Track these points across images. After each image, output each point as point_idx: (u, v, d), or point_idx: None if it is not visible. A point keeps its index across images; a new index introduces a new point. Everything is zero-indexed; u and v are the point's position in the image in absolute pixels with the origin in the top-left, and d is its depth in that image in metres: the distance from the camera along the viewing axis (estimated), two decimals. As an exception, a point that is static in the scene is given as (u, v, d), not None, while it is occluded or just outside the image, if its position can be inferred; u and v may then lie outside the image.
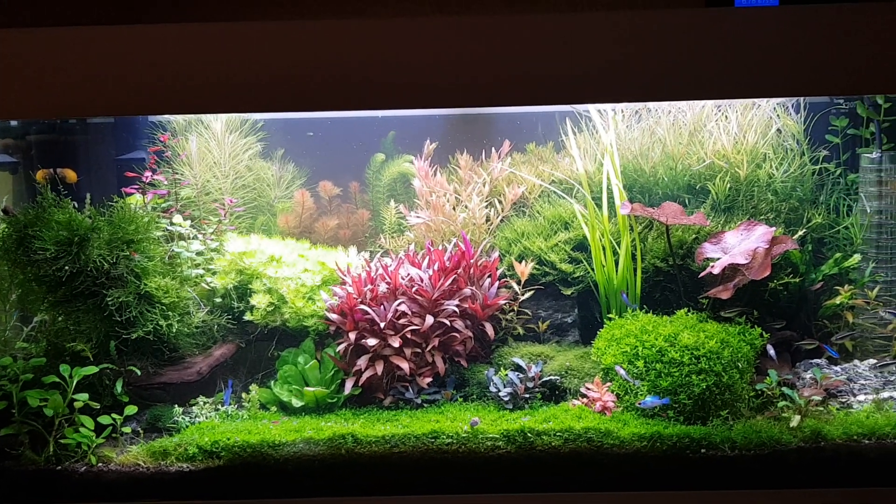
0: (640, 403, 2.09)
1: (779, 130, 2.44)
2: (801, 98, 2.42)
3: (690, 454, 2.03)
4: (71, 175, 2.43)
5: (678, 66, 1.91)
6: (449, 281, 2.30)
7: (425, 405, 2.25)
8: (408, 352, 2.25)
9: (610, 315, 2.36)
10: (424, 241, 2.48)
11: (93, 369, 2.07)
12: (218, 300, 2.37)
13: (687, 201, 2.46)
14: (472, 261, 2.38)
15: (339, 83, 1.90)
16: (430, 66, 1.89)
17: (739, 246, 2.20)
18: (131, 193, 2.38)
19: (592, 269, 2.41)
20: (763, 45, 1.92)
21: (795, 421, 2.06)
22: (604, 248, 2.37)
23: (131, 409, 2.11)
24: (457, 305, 2.30)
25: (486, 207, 2.54)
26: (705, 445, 2.03)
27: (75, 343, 2.10)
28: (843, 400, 2.20)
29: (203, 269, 2.36)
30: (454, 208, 2.53)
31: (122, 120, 2.60)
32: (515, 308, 2.42)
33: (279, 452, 2.04)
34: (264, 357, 2.40)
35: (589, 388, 2.20)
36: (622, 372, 2.13)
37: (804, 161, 2.43)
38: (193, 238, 2.38)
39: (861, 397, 2.19)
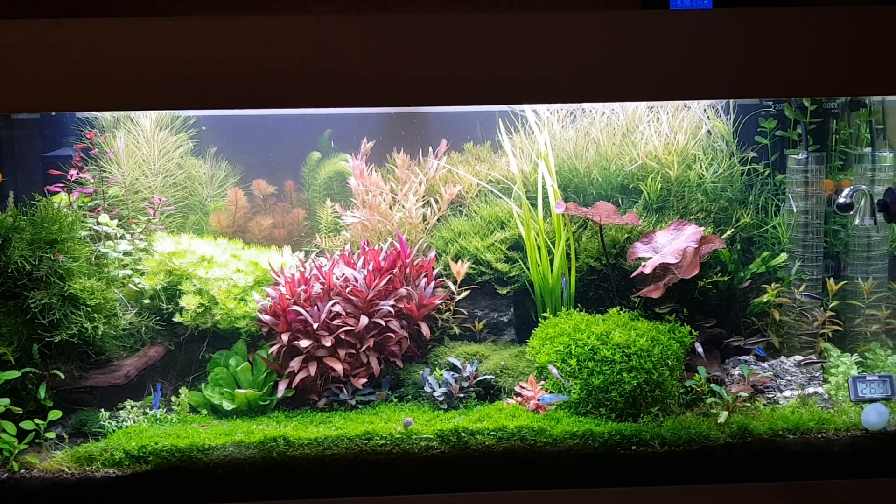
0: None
1: (709, 132, 2.49)
2: (731, 100, 2.47)
3: (622, 451, 2.05)
4: None
5: (613, 67, 1.93)
6: (384, 281, 2.29)
7: (360, 406, 2.23)
8: (342, 353, 2.23)
9: (545, 314, 2.37)
10: (360, 241, 2.46)
11: (14, 373, 2.01)
12: (146, 301, 2.32)
13: (620, 201, 2.48)
14: (407, 260, 2.37)
15: (273, 81, 1.88)
16: (367, 65, 1.89)
17: (669, 245, 2.23)
18: (56, 192, 2.32)
19: (528, 269, 2.42)
20: (697, 47, 1.95)
21: (723, 417, 2.10)
22: (539, 248, 2.38)
23: (55, 414, 2.06)
24: (392, 306, 2.28)
25: (423, 207, 2.53)
26: (636, 442, 2.06)
27: (-4, 347, 2.05)
28: (771, 396, 2.25)
29: (131, 269, 2.31)
30: (391, 207, 2.52)
31: (47, 116, 2.53)
32: (451, 308, 2.42)
33: (209, 456, 2.01)
34: (195, 359, 2.35)
35: (523, 387, 2.21)
36: (554, 371, 2.14)
37: (733, 162, 2.48)
38: (121, 238, 2.33)
39: (787, 393, 2.24)
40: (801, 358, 2.31)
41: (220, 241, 2.44)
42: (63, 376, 2.10)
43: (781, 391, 2.25)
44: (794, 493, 2.05)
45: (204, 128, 2.55)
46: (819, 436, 2.09)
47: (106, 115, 2.47)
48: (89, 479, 1.98)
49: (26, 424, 2.02)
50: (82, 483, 1.98)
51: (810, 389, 2.24)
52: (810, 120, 2.43)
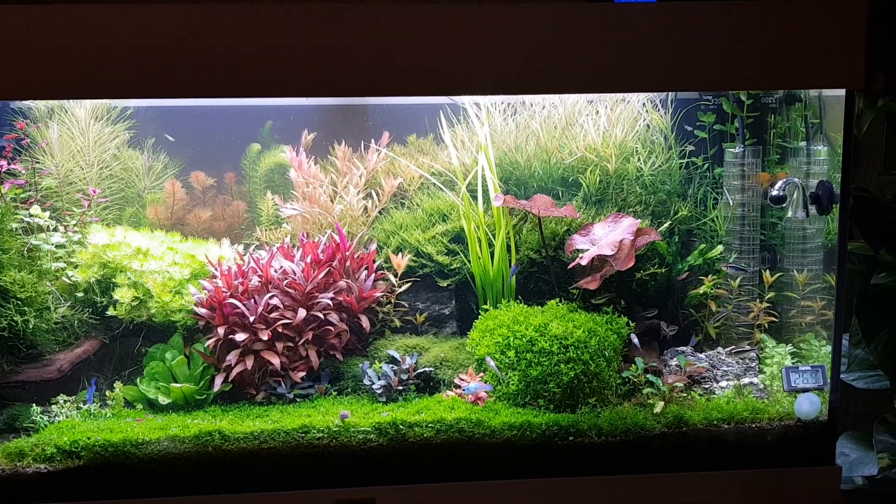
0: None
1: (647, 126, 2.51)
2: (669, 94, 2.49)
3: (559, 441, 2.07)
4: None
5: (556, 59, 1.94)
6: (323, 273, 2.27)
7: (298, 400, 2.22)
8: (280, 346, 2.21)
9: (485, 306, 2.37)
10: (300, 234, 2.44)
11: (-61, 369, 1.97)
12: (80, 295, 2.27)
13: (560, 194, 2.49)
14: (347, 253, 2.36)
15: (208, 69, 1.86)
16: (307, 54, 1.88)
17: (606, 238, 2.25)
18: (-14, 184, 2.26)
19: (469, 261, 2.42)
20: (640, 40, 1.97)
21: (659, 407, 2.12)
22: (480, 240, 2.39)
23: (-17, 411, 2.02)
24: (331, 298, 2.27)
25: (364, 199, 2.51)
26: (573, 433, 2.07)
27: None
28: (707, 386, 2.28)
29: (64, 262, 2.26)
30: (331, 200, 2.50)
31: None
32: (392, 300, 2.41)
33: (143, 451, 1.98)
34: (130, 354, 2.31)
35: (462, 379, 2.21)
36: (492, 363, 2.15)
37: (672, 155, 2.50)
38: (54, 230, 2.28)
39: (723, 383, 2.27)
40: (734, 347, 2.34)
41: (157, 234, 2.40)
42: (-7, 369, 2.06)
43: (717, 381, 2.28)
44: (728, 482, 2.09)
45: (136, 122, 2.51)
46: (753, 425, 2.12)
47: (39, 105, 2.41)
48: (20, 475, 1.94)
49: (-48, 421, 1.98)
50: (13, 478, 1.94)
51: (745, 380, 2.27)
52: (747, 114, 2.46)
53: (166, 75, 1.85)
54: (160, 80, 1.86)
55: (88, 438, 1.97)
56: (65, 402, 2.14)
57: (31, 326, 2.10)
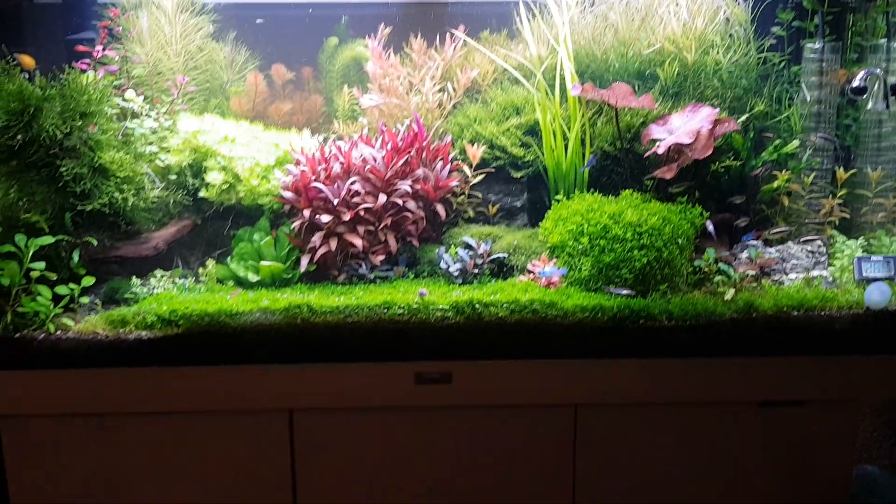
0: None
1: (727, 19, 2.49)
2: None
3: (630, 325, 2.13)
4: (28, 62, 2.39)
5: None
6: (402, 161, 2.34)
7: (378, 281, 2.32)
8: (361, 229, 2.30)
9: (558, 197, 2.43)
10: (378, 126, 2.51)
11: (49, 239, 2.09)
12: (172, 177, 2.38)
13: (637, 87, 2.51)
14: (424, 143, 2.42)
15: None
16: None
17: (684, 126, 2.27)
18: (83, 70, 2.36)
19: (542, 154, 2.47)
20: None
21: (730, 294, 2.17)
22: (554, 133, 2.43)
23: (88, 280, 2.14)
24: (409, 186, 2.35)
25: (439, 92, 2.56)
26: (644, 316, 2.13)
27: (30, 215, 2.12)
28: (776, 278, 2.32)
29: (157, 146, 2.37)
30: (407, 93, 2.56)
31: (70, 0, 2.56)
32: (466, 191, 2.48)
33: (236, 321, 2.10)
34: (220, 235, 2.43)
35: (535, 264, 2.29)
36: (552, 270, 2.21)
37: (750, 50, 2.49)
38: (146, 116, 2.38)
39: (792, 276, 2.31)
40: (804, 237, 2.36)
41: (242, 123, 2.49)
42: (95, 243, 2.18)
43: (787, 274, 2.32)
44: (795, 367, 2.15)
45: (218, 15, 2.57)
46: (822, 313, 2.16)
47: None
48: (122, 341, 2.08)
49: (61, 289, 2.11)
50: (116, 344, 2.08)
51: (815, 272, 2.30)
52: (827, 9, 2.43)
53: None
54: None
55: (186, 308, 2.09)
56: (161, 276, 2.27)
57: (129, 205, 2.22)
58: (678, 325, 2.14)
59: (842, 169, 2.43)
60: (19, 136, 2.06)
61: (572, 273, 2.22)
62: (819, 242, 2.36)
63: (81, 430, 2.14)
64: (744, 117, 2.44)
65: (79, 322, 2.11)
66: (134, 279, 2.24)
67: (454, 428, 2.18)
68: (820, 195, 2.44)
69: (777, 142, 2.42)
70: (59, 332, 2.07)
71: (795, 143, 2.40)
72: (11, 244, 2.06)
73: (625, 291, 2.14)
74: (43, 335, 2.07)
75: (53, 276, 2.10)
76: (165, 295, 2.20)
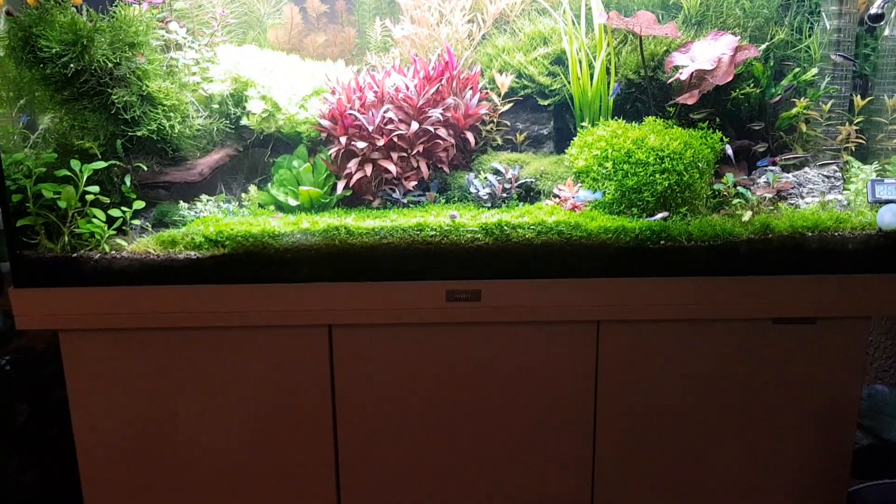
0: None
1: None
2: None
3: (651, 245, 2.24)
4: None
5: None
6: (433, 90, 2.44)
7: (411, 205, 2.44)
8: (394, 156, 2.41)
9: (583, 124, 2.52)
10: (409, 57, 2.60)
11: (102, 164, 2.22)
12: (215, 106, 2.50)
13: (660, 16, 2.57)
14: (455, 72, 2.51)
15: None
16: None
17: (706, 54, 2.35)
18: (130, 3, 2.45)
19: (569, 83, 2.55)
20: None
21: (747, 216, 2.27)
22: (580, 62, 2.51)
23: (139, 204, 2.28)
24: (440, 114, 2.44)
25: (469, 23, 2.64)
26: (664, 238, 2.24)
27: (83, 141, 2.25)
28: (793, 202, 2.41)
29: (199, 76, 2.47)
30: (438, 24, 2.64)
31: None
32: (495, 119, 2.58)
33: (278, 242, 2.23)
34: (260, 163, 2.55)
35: (561, 189, 2.39)
36: (586, 195, 2.31)
37: (771, -23, 2.55)
38: (189, 47, 2.48)
39: (808, 199, 2.40)
40: (820, 162, 2.45)
41: (279, 54, 2.59)
42: (145, 168, 2.31)
43: (803, 197, 2.41)
44: (809, 285, 2.25)
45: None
46: (836, 234, 2.26)
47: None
48: (173, 260, 2.22)
49: (114, 212, 2.25)
50: (166, 263, 2.22)
51: (830, 196, 2.39)
52: (850, -63, 2.47)
53: None
54: None
55: (231, 229, 2.22)
56: (207, 200, 2.40)
57: (175, 132, 2.33)
58: (697, 246, 2.24)
59: (859, 96, 2.50)
60: (72, 66, 2.18)
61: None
62: (835, 167, 2.45)
63: (134, 344, 2.30)
64: (764, 46, 2.50)
65: (131, 243, 2.25)
66: (181, 203, 2.37)
67: (483, 343, 2.32)
68: (837, 122, 2.51)
69: (796, 70, 2.49)
70: (113, 252, 2.22)
71: (814, 70, 2.47)
72: (67, 169, 2.19)
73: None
74: (98, 255, 2.22)
75: (107, 200, 2.24)
76: (211, 218, 2.33)
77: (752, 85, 2.47)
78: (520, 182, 2.43)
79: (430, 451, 2.39)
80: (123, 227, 2.27)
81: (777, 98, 2.49)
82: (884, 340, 3.76)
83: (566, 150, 2.48)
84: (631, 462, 2.41)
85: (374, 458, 2.39)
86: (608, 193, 2.30)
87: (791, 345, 2.32)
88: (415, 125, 2.41)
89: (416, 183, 2.45)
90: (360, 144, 2.37)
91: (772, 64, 2.52)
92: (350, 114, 2.40)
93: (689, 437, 2.39)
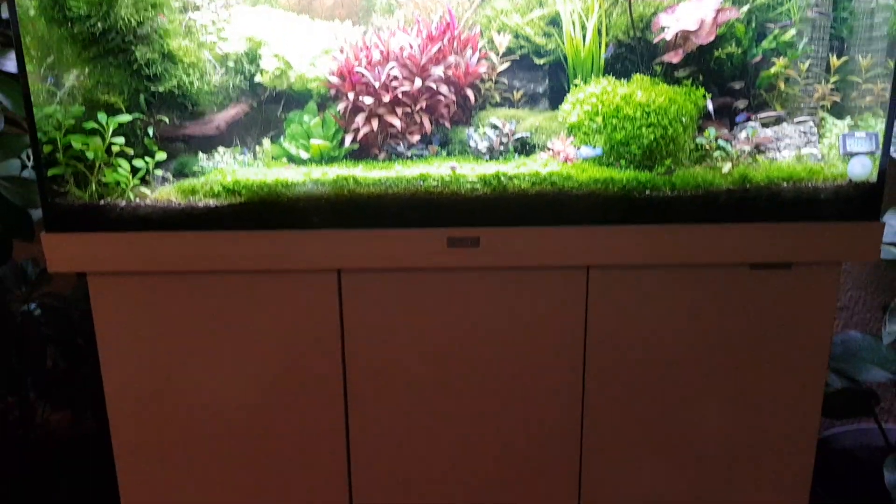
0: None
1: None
2: None
3: (637, 195, 2.41)
4: None
5: None
6: (435, 48, 2.59)
7: (414, 158, 2.60)
8: (399, 111, 2.57)
9: (576, 82, 2.68)
10: (413, 18, 2.75)
11: (126, 117, 2.38)
12: (231, 64, 2.65)
13: (649, -19, 2.73)
14: (456, 33, 2.67)
15: None
16: None
17: (691, 14, 2.50)
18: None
19: (563, 43, 2.70)
20: None
21: (727, 168, 2.44)
22: (574, 24, 2.66)
23: (161, 155, 2.44)
24: (442, 71, 2.60)
25: (469, -14, 2.79)
26: (650, 187, 2.41)
27: (108, 96, 2.40)
28: (771, 156, 2.58)
29: (216, 36, 2.62)
30: (439, -13, 2.79)
31: None
32: (493, 77, 2.73)
33: (291, 191, 2.40)
34: (273, 118, 2.71)
35: (554, 142, 2.56)
36: (588, 151, 2.47)
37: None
38: (205, 8, 2.63)
39: (785, 153, 2.57)
40: (798, 119, 2.62)
41: (290, 14, 2.74)
42: (168, 121, 2.48)
43: (780, 151, 2.58)
44: (784, 232, 2.42)
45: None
46: (809, 184, 2.43)
47: None
48: (193, 208, 2.39)
49: (137, 162, 2.41)
50: (187, 210, 2.39)
51: (805, 150, 2.56)
52: None
53: None
54: None
55: (248, 179, 2.39)
56: (223, 153, 2.56)
57: (195, 88, 2.49)
58: (680, 196, 2.42)
59: (835, 57, 2.65)
60: (98, 25, 2.33)
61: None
62: (811, 123, 2.61)
63: (157, 287, 2.47)
64: (746, 7, 2.66)
65: (154, 191, 2.42)
66: (200, 154, 2.53)
67: (481, 287, 2.50)
68: (814, 81, 2.67)
69: (776, 31, 2.65)
70: (137, 200, 2.38)
71: (792, 31, 2.63)
72: (95, 121, 2.35)
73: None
74: (124, 203, 2.39)
75: (131, 151, 2.40)
76: (228, 168, 2.50)
77: (734, 45, 2.63)
78: (516, 136, 2.60)
79: (431, 384, 2.58)
80: (146, 177, 2.44)
81: (758, 58, 2.64)
82: (863, 295, 3.95)
83: (559, 107, 2.65)
84: (616, 394, 2.60)
85: (379, 387, 2.58)
86: (597, 146, 2.47)
87: (767, 289, 2.51)
88: (418, 82, 2.57)
89: (419, 137, 2.61)
90: (367, 100, 2.53)
91: (754, 26, 2.67)
92: (357, 71, 2.55)
93: (670, 374, 2.58)
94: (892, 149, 2.52)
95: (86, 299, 2.55)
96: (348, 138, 2.58)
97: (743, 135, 2.58)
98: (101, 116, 2.35)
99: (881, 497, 2.99)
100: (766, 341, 2.56)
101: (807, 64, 2.66)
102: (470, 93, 2.67)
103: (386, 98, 2.54)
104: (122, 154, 2.39)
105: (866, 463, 3.30)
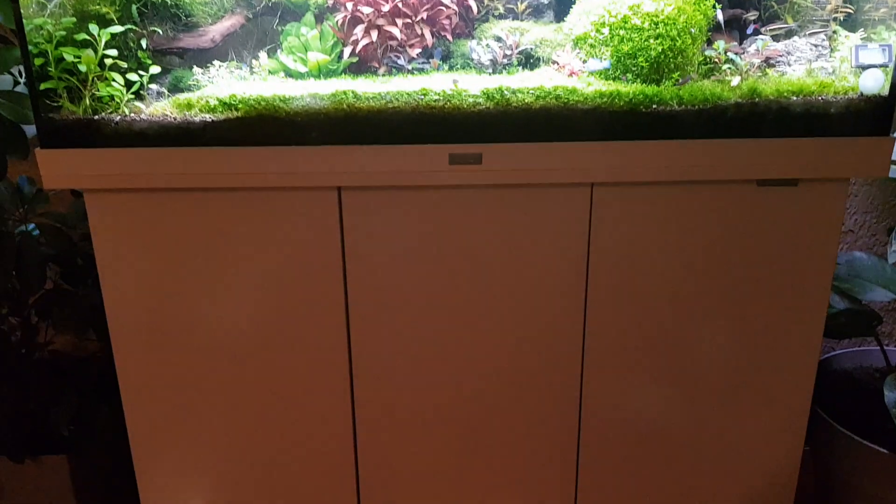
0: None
1: None
2: None
3: (644, 109, 2.36)
4: None
5: None
6: (436, -43, 2.51)
7: (415, 72, 2.54)
8: (399, 22, 2.50)
9: (582, -7, 2.60)
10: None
11: (119, 28, 2.31)
12: (224, -28, 2.57)
13: None
14: (457, -59, 2.58)
15: None
16: None
17: (701, -80, 2.41)
18: None
19: (568, -48, 2.61)
20: None
21: (736, 80, 2.38)
22: (579, -69, 2.56)
23: (155, 68, 2.38)
24: (443, -18, 2.52)
25: None
26: (657, 101, 2.35)
27: (99, 6, 2.33)
28: (781, 70, 2.51)
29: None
30: None
31: None
32: (496, -12, 2.65)
33: (289, 105, 2.34)
34: (269, 30, 2.64)
35: (559, 55, 2.49)
36: (596, 64, 2.40)
37: None
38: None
39: (795, 67, 2.50)
40: (810, 32, 2.54)
41: (285, -77, 2.65)
42: (161, 32, 2.41)
43: (790, 66, 2.51)
44: (792, 149, 2.38)
45: None
46: (820, 98, 2.37)
47: None
48: (189, 122, 2.34)
49: (131, 76, 2.35)
50: (183, 125, 2.34)
51: (817, 64, 2.49)
52: None
53: None
54: None
55: (244, 93, 2.33)
56: (219, 66, 2.50)
57: (188, -3, 2.43)
58: (687, 110, 2.36)
59: (851, -34, 2.57)
60: (87, -69, 2.25)
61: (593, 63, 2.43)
62: (823, 36, 2.54)
63: (155, 204, 2.44)
64: (760, -86, 2.56)
65: (149, 106, 2.36)
66: (195, 68, 2.47)
67: (483, 205, 2.46)
68: (828, -8, 2.59)
69: (791, -61, 2.56)
70: (132, 115, 2.33)
71: (808, -61, 2.54)
72: (86, 33, 2.28)
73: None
74: (118, 117, 2.33)
75: (124, 65, 2.34)
76: (224, 83, 2.44)
77: (746, -47, 2.54)
78: (520, 49, 2.53)
79: (432, 304, 2.57)
80: (141, 92, 2.38)
81: (771, -33, 2.56)
82: (868, 219, 3.92)
83: (565, 19, 2.57)
84: (618, 313, 2.59)
85: (380, 306, 2.57)
86: (603, 59, 2.40)
87: (774, 206, 2.47)
88: (418, -8, 2.49)
89: (420, 50, 2.54)
90: (366, 10, 2.46)
91: (767, -67, 2.58)
92: (356, -19, 2.48)
93: (673, 293, 2.57)
94: (905, 62, 2.45)
95: (84, 219, 2.52)
96: (347, 51, 2.51)
97: (753, 47, 2.51)
98: (93, 27, 2.28)
99: (881, 417, 3.01)
100: (770, 260, 2.53)
101: (821, -26, 2.57)
102: (472, 3, 2.59)
103: (385, 7, 2.46)
104: (115, 67, 2.33)
105: (866, 384, 3.31)
